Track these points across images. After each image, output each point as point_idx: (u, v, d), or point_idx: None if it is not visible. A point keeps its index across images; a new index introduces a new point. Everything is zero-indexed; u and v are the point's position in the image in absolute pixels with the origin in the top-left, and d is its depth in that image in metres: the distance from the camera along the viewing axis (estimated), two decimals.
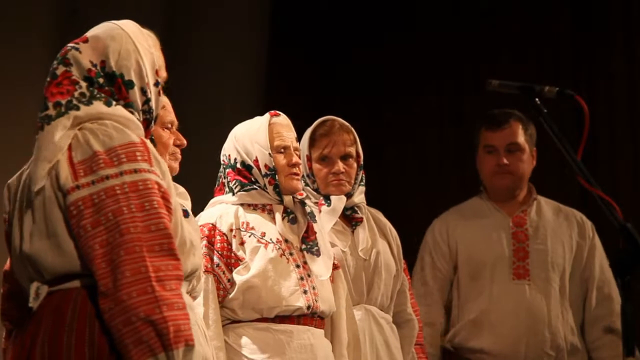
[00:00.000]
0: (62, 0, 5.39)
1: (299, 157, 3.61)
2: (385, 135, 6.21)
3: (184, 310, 2.48)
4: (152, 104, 2.71)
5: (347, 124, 3.95)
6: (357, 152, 3.94)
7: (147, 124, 2.70)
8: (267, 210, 3.54)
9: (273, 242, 3.46)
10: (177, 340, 2.43)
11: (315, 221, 3.56)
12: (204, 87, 5.98)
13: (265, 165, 3.52)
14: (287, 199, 3.55)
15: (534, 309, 4.41)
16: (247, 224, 3.48)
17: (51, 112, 2.57)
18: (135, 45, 2.68)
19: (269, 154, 3.52)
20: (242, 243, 3.44)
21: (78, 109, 2.57)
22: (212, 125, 5.47)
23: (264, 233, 3.47)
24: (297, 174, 3.55)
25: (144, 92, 2.68)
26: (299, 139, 3.71)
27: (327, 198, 3.88)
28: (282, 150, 3.55)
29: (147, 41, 2.72)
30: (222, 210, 3.51)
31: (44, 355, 2.50)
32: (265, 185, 3.52)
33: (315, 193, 3.90)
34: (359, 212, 3.91)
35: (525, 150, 4.56)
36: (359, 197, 3.93)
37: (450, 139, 6.38)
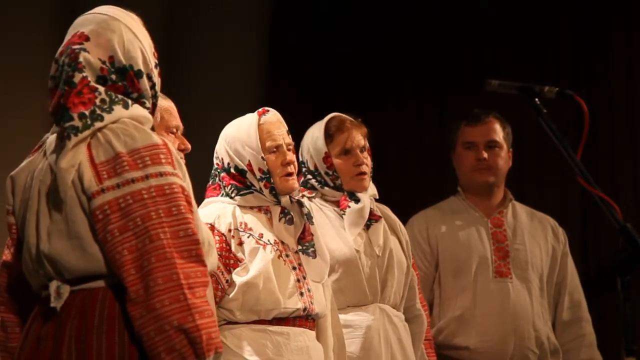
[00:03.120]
0: (61, 0, 5.39)
1: (293, 151, 3.59)
2: (385, 135, 6.20)
3: (213, 317, 2.49)
4: (157, 87, 2.71)
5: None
6: (369, 146, 3.96)
7: (153, 108, 2.70)
8: (263, 210, 3.53)
9: (271, 244, 3.44)
10: (209, 349, 2.44)
11: (312, 223, 3.55)
12: (203, 87, 5.98)
13: (259, 169, 3.50)
14: (284, 199, 3.54)
15: (519, 306, 4.41)
16: (245, 224, 3.47)
17: (77, 123, 2.54)
18: (134, 33, 2.67)
19: (262, 157, 3.49)
20: (240, 243, 3.43)
21: (102, 119, 2.55)
22: (212, 126, 5.47)
23: (262, 234, 3.46)
24: (291, 174, 3.53)
25: (149, 77, 2.67)
26: (300, 138, 3.70)
27: (351, 195, 3.87)
28: (275, 149, 3.53)
29: (138, 24, 2.71)
30: (220, 209, 3.49)
31: (71, 357, 2.49)
32: (261, 188, 3.51)
33: (336, 191, 3.89)
34: (373, 207, 3.90)
35: (504, 148, 4.56)
36: (372, 190, 3.94)
37: None
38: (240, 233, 3.44)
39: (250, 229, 3.46)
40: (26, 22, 5.28)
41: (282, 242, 3.48)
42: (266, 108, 3.59)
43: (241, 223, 3.46)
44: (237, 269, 3.40)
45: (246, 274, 3.38)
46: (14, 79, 5.21)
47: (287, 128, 3.59)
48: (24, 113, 5.22)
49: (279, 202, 3.53)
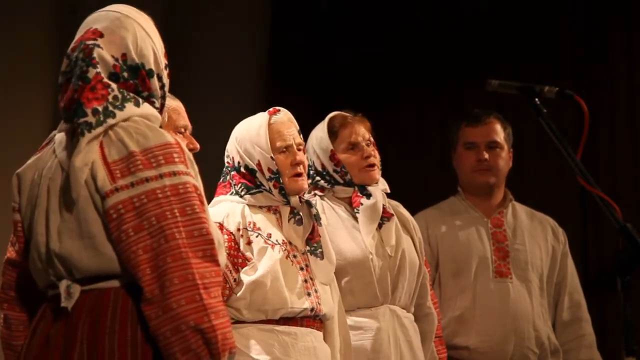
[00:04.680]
0: (61, 1, 5.40)
1: (304, 151, 3.59)
2: (385, 135, 6.19)
3: (227, 317, 2.50)
4: (166, 88, 2.72)
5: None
6: (374, 140, 3.95)
7: (161, 108, 2.71)
8: (272, 210, 3.54)
9: (279, 244, 3.45)
10: (224, 349, 2.46)
11: (320, 224, 3.55)
12: (204, 87, 5.98)
13: (269, 169, 3.50)
14: (294, 199, 3.54)
15: (519, 306, 4.41)
16: (254, 224, 3.47)
17: (91, 119, 2.54)
18: (147, 32, 2.68)
19: (271, 157, 3.50)
20: (249, 243, 3.43)
21: (114, 116, 2.55)
22: (212, 126, 5.48)
23: (270, 234, 3.46)
24: (300, 174, 3.54)
25: (159, 78, 2.68)
26: (304, 138, 3.69)
27: (362, 189, 3.87)
28: (285, 149, 3.53)
29: (150, 23, 2.72)
30: (229, 208, 3.49)
31: (83, 358, 2.48)
32: (270, 188, 3.51)
33: (347, 187, 3.87)
34: (385, 204, 3.89)
35: (504, 148, 4.57)
36: (383, 185, 3.93)
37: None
38: (249, 232, 3.44)
39: (259, 229, 3.46)
40: (26, 22, 5.28)
41: (290, 243, 3.49)
42: (277, 108, 3.60)
43: (250, 222, 3.46)
44: (245, 268, 3.40)
45: (254, 273, 3.38)
46: (14, 79, 5.21)
47: (298, 127, 3.60)
48: (24, 113, 5.22)
49: (288, 202, 3.53)
